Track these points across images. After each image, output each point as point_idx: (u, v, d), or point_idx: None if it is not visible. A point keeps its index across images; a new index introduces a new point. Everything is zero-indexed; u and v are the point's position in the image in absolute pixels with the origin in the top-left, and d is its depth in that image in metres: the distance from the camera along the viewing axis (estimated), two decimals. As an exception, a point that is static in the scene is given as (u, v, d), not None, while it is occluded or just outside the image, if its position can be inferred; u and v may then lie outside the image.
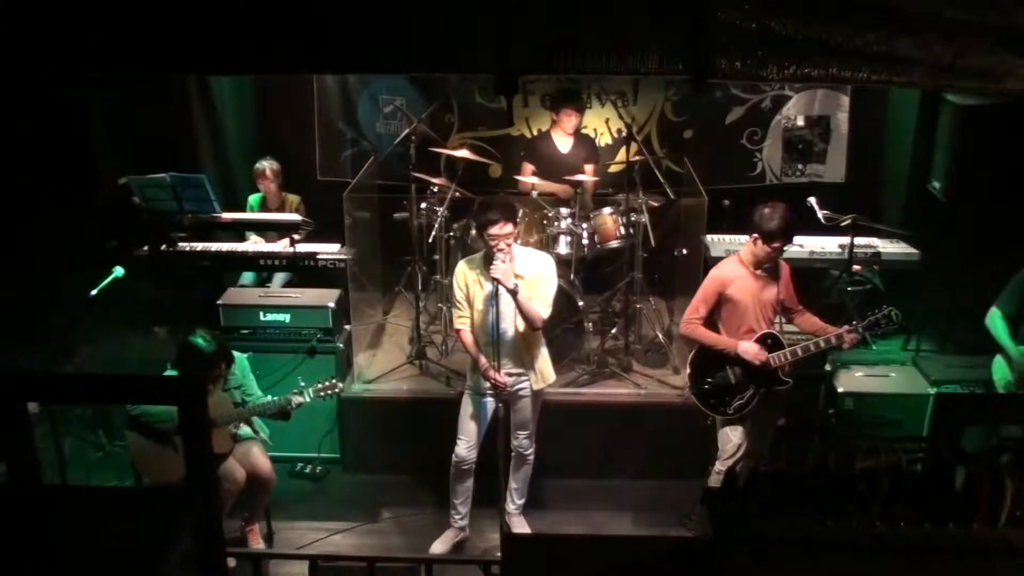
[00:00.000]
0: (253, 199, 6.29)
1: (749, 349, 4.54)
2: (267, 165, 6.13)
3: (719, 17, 2.03)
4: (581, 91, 6.60)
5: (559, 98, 6.27)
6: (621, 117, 6.10)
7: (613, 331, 6.09)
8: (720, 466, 4.76)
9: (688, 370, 4.79)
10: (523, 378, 4.69)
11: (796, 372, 4.65)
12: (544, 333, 4.75)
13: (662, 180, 5.72)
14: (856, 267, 5.61)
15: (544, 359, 4.77)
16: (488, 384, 4.58)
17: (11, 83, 2.28)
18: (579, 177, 5.95)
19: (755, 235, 4.47)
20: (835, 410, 5.23)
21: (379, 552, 4.77)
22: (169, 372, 4.66)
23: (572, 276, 5.70)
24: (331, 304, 5.59)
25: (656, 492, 5.45)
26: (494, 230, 4.38)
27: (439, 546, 4.93)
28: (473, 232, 5.85)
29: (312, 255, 5.89)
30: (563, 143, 6.27)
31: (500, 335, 4.46)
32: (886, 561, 1.98)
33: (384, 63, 2.20)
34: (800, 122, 6.95)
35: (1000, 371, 4.85)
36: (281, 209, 6.21)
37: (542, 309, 4.53)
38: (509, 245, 4.41)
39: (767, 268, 4.60)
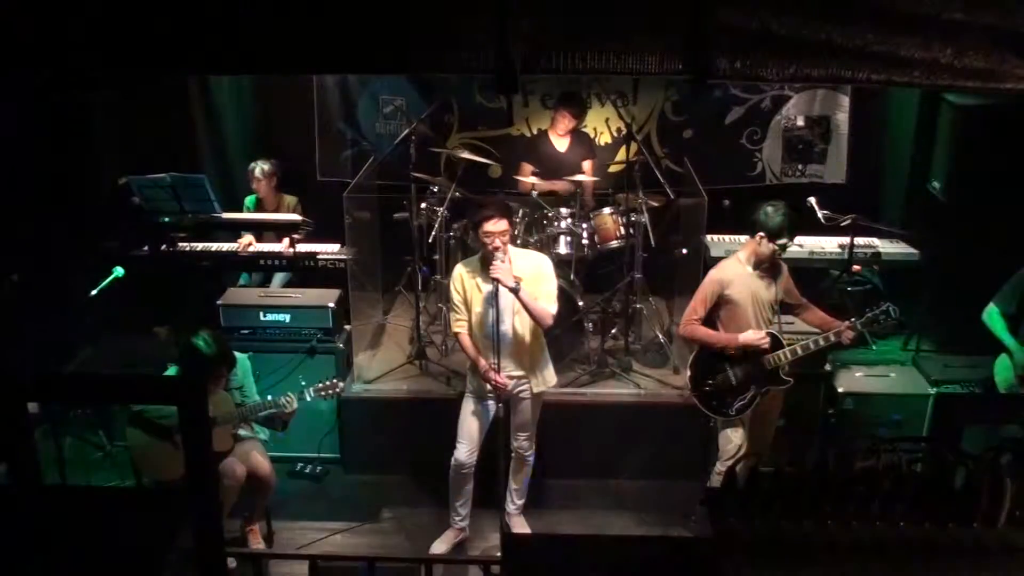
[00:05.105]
0: (249, 200, 6.28)
1: (751, 337, 4.53)
2: (259, 166, 6.12)
3: (719, 17, 2.03)
4: (581, 92, 6.60)
5: (559, 99, 6.27)
6: (621, 117, 6.11)
7: (613, 331, 6.09)
8: (720, 467, 4.76)
9: (689, 372, 4.79)
10: (524, 381, 4.69)
11: (796, 372, 4.66)
12: (544, 334, 4.75)
13: (662, 180, 5.72)
14: (856, 267, 5.61)
15: (545, 361, 4.76)
16: (489, 387, 4.58)
17: (12, 83, 2.28)
18: (579, 177, 5.95)
19: (760, 234, 4.48)
20: (835, 410, 5.23)
21: (379, 552, 4.77)
22: (170, 371, 4.67)
23: (572, 276, 5.70)
24: (331, 304, 5.59)
25: (656, 492, 5.45)
26: (488, 226, 4.36)
27: (439, 546, 4.93)
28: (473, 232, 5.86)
29: (312, 255, 5.89)
30: (560, 142, 6.27)
31: (500, 337, 4.46)
32: (886, 561, 1.98)
33: (384, 63, 2.20)
34: (800, 122, 6.95)
35: (1003, 371, 4.85)
36: (278, 210, 6.21)
37: (549, 306, 4.52)
38: (505, 244, 4.41)
39: (766, 268, 4.61)
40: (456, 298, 4.63)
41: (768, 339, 4.53)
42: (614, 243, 5.83)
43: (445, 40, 2.08)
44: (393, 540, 5.09)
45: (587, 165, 6.25)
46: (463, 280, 4.60)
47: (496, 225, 4.35)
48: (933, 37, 2.08)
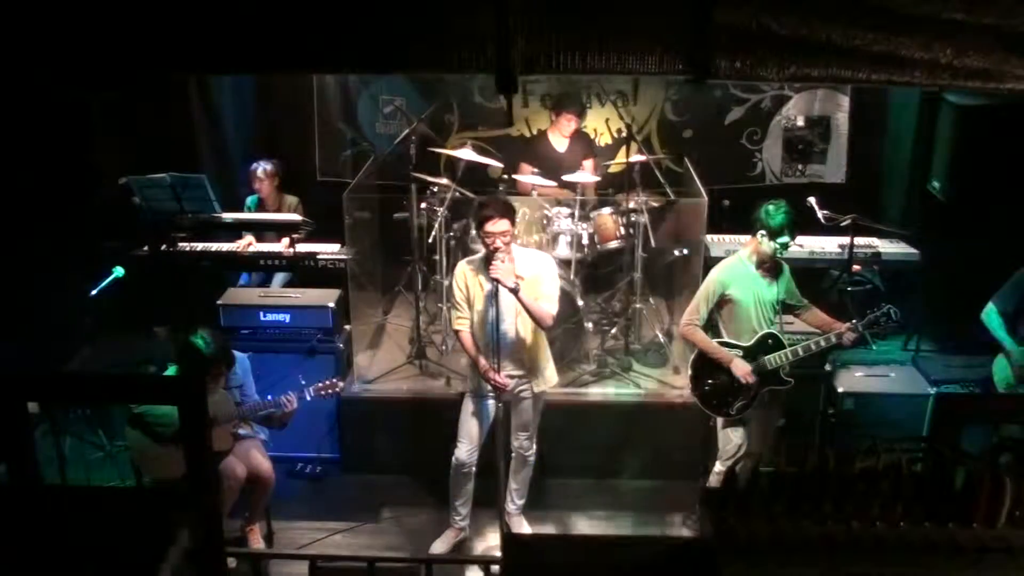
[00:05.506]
0: (250, 200, 6.29)
1: (740, 367, 4.55)
2: (261, 167, 6.13)
3: (719, 17, 2.03)
4: (578, 92, 6.60)
5: (560, 102, 6.28)
6: (621, 117, 6.10)
7: (613, 331, 6.09)
8: (720, 467, 4.77)
9: (690, 372, 4.80)
10: (524, 380, 4.69)
11: (796, 372, 4.66)
12: (546, 334, 4.74)
13: (662, 180, 5.72)
14: (856, 267, 5.61)
15: (546, 360, 4.76)
16: (489, 386, 4.58)
17: (11, 83, 2.28)
18: (578, 177, 5.95)
19: (761, 232, 4.48)
20: (835, 410, 5.23)
21: (379, 552, 4.77)
22: (170, 371, 4.67)
23: (572, 276, 5.70)
24: (331, 304, 5.59)
25: (656, 492, 5.45)
26: (489, 226, 4.36)
27: (439, 546, 4.93)
28: (473, 232, 5.87)
29: (312, 255, 5.89)
30: (559, 143, 6.28)
31: (500, 336, 4.46)
32: (886, 561, 1.98)
33: (384, 63, 2.19)
34: (800, 122, 6.95)
35: (1001, 371, 4.85)
36: (279, 210, 6.21)
37: (549, 307, 4.52)
38: (507, 244, 4.41)
39: (768, 268, 4.61)
40: (459, 295, 4.63)
41: (752, 380, 4.55)
42: (614, 243, 5.83)
43: (445, 40, 2.08)
44: (393, 540, 5.09)
45: (587, 163, 6.26)
46: (466, 278, 4.60)
47: (496, 225, 4.35)
48: (933, 37, 2.07)
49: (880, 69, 2.11)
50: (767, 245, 4.49)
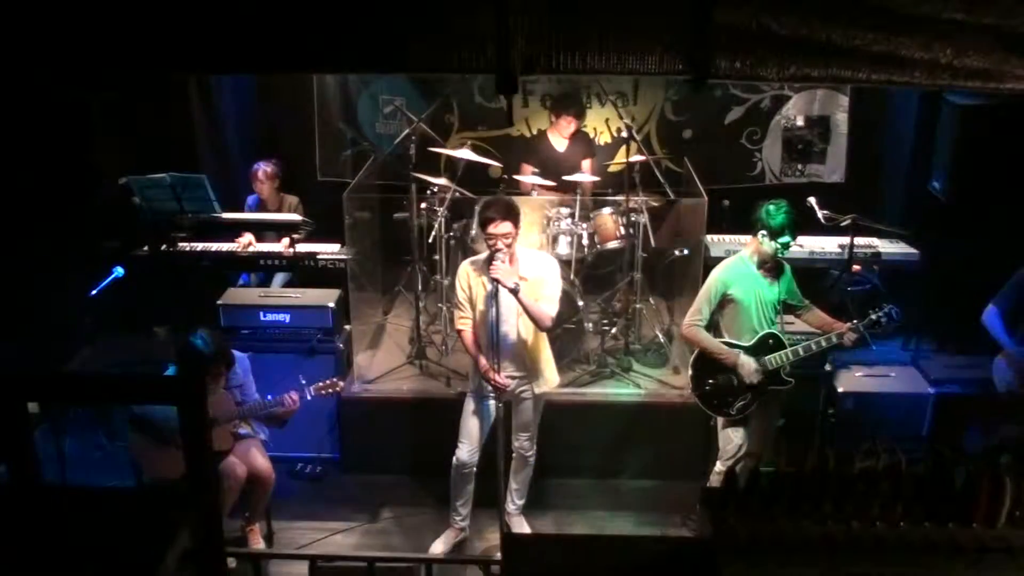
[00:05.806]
0: (251, 200, 6.29)
1: (747, 365, 4.55)
2: (261, 168, 6.13)
3: (719, 17, 2.03)
4: (575, 91, 6.60)
5: (559, 103, 6.28)
6: (621, 117, 6.10)
7: (613, 331, 6.09)
8: (721, 467, 4.77)
9: (691, 372, 4.79)
10: (525, 381, 4.69)
11: (796, 372, 4.66)
12: (547, 335, 4.74)
13: (662, 180, 5.72)
14: (856, 267, 5.61)
15: (547, 361, 4.76)
16: (490, 386, 4.58)
17: (11, 83, 2.28)
18: (578, 177, 5.95)
19: (762, 232, 4.48)
20: (835, 410, 5.23)
21: (379, 552, 4.77)
22: (170, 371, 4.67)
23: (572, 276, 5.70)
24: (331, 304, 5.59)
25: (656, 492, 5.45)
26: (491, 228, 4.37)
27: (439, 546, 4.93)
28: (473, 232, 5.87)
29: (312, 255, 5.89)
30: (559, 143, 6.29)
31: (501, 337, 4.46)
32: (886, 561, 1.99)
33: (384, 63, 2.19)
34: (800, 122, 6.95)
35: (1001, 371, 4.85)
36: (279, 210, 6.21)
37: (549, 309, 4.52)
38: (509, 245, 4.41)
39: (769, 268, 4.61)
40: (461, 295, 4.64)
41: (758, 379, 4.55)
42: (614, 243, 5.83)
43: (445, 40, 2.08)
44: (393, 540, 5.09)
45: (586, 163, 6.26)
46: (468, 278, 4.61)
47: (499, 228, 4.36)
48: (933, 37, 2.07)
49: (880, 69, 2.11)
50: (768, 245, 4.49)
